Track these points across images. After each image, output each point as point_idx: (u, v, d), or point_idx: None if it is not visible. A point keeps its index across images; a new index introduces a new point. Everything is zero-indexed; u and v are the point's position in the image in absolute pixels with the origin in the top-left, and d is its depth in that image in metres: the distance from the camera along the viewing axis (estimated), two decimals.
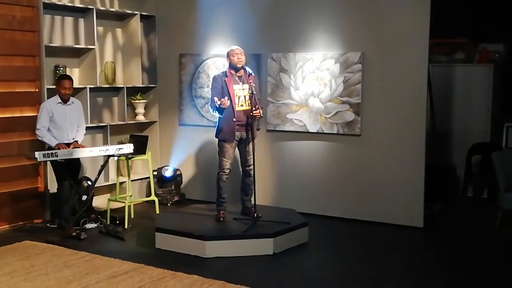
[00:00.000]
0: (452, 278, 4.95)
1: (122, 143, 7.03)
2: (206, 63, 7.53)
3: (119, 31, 7.76)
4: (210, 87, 6.00)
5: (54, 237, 6.00)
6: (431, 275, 5.05)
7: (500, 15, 7.58)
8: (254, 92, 5.71)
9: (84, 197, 6.17)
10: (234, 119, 5.79)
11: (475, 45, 8.23)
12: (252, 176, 5.89)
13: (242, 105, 5.84)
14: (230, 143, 5.84)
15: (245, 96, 5.84)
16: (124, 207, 6.62)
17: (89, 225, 6.41)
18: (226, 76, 5.84)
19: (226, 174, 5.92)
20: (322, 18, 6.75)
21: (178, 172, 7.75)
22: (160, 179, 7.63)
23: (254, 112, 5.73)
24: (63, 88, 6.09)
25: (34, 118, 6.22)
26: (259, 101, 5.82)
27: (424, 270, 5.20)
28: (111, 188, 7.49)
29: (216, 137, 5.95)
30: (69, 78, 6.23)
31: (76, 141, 6.18)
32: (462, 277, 4.97)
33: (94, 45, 7.12)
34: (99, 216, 6.40)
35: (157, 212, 6.94)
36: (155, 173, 7.56)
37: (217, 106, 5.67)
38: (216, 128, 5.96)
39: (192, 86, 7.65)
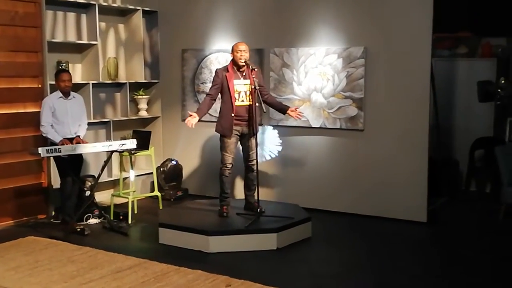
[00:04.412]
0: (456, 272, 4.95)
1: (125, 138, 7.03)
2: (208, 58, 7.52)
3: (121, 26, 7.76)
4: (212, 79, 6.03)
5: (57, 232, 6.02)
6: (435, 269, 5.05)
7: (503, 8, 7.55)
8: (257, 87, 5.71)
9: (88, 193, 6.18)
10: (233, 114, 5.80)
11: (478, 39, 8.21)
12: (255, 171, 5.89)
13: (242, 100, 5.84)
14: (229, 137, 5.85)
15: (245, 92, 5.84)
16: (127, 202, 6.63)
17: (92, 221, 6.43)
18: (228, 71, 5.85)
19: (228, 169, 5.92)
20: (325, 13, 6.73)
21: (181, 167, 7.76)
22: (168, 172, 7.61)
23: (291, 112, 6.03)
24: (62, 81, 6.12)
25: (37, 114, 6.24)
26: (265, 93, 5.96)
27: (428, 264, 5.20)
28: (114, 184, 7.50)
29: (215, 131, 5.97)
30: (67, 71, 6.30)
31: (78, 136, 6.19)
32: (466, 271, 4.97)
33: (96, 40, 7.12)
34: (102, 212, 6.42)
35: (161, 207, 6.95)
36: (162, 168, 7.57)
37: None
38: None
39: (195, 81, 7.65)
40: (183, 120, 7.66)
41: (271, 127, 6.69)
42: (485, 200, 7.52)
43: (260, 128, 6.48)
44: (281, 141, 6.60)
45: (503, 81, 6.47)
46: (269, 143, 6.57)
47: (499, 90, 6.54)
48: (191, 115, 5.79)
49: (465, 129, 8.03)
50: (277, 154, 6.61)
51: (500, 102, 7.08)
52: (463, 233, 6.16)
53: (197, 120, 5.81)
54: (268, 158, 6.59)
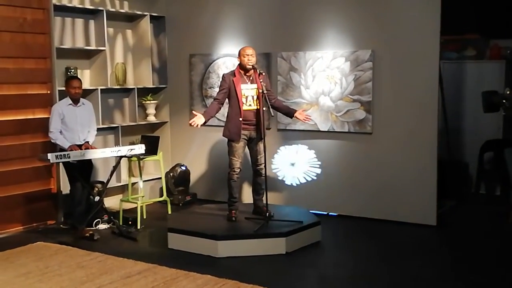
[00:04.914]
0: (467, 275, 4.92)
1: (133, 144, 7.06)
2: (216, 63, 7.54)
3: (129, 32, 7.79)
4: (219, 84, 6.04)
5: (67, 238, 6.05)
6: (446, 272, 5.03)
7: (511, 10, 7.52)
8: (265, 91, 5.72)
9: (97, 198, 6.20)
10: (240, 119, 5.81)
11: (486, 41, 8.19)
12: (263, 175, 5.88)
13: (250, 105, 5.84)
14: (237, 142, 5.86)
15: (253, 96, 5.85)
16: (136, 207, 6.64)
17: (101, 226, 6.44)
18: (234, 76, 5.86)
19: (236, 174, 5.92)
20: (332, 17, 6.74)
21: (189, 172, 7.77)
22: (178, 177, 7.62)
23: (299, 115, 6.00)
24: (72, 88, 6.15)
25: (46, 120, 6.27)
26: (272, 97, 5.95)
27: (439, 267, 5.17)
28: (123, 189, 7.52)
29: (223, 135, 5.97)
30: (77, 78, 6.32)
31: (87, 142, 6.22)
32: (476, 274, 4.94)
33: (104, 46, 7.15)
34: (111, 217, 6.43)
35: (169, 212, 6.97)
36: (171, 173, 7.58)
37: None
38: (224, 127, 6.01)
39: (203, 86, 7.67)
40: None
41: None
42: (494, 203, 7.48)
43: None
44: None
45: (508, 92, 6.38)
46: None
47: (504, 100, 6.44)
48: (195, 115, 5.80)
49: (474, 131, 8.00)
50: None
51: (506, 113, 6.97)
52: (473, 236, 6.13)
53: (203, 122, 5.80)
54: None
